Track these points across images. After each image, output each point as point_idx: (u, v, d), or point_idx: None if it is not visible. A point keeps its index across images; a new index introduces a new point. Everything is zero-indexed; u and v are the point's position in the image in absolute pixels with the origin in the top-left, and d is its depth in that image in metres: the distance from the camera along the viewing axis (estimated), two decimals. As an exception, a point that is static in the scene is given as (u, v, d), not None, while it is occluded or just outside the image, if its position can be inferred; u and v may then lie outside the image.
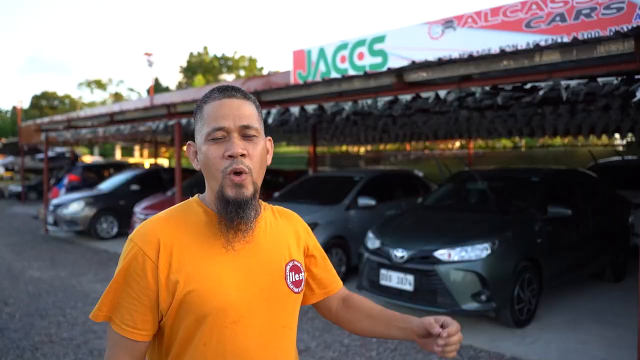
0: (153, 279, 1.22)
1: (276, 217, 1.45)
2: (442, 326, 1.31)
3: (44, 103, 50.76)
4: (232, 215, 1.25)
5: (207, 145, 1.27)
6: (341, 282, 1.62)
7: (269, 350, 1.30)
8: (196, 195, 1.38)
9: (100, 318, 1.24)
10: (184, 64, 49.11)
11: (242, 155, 1.25)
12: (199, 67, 47.08)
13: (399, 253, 5.17)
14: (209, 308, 1.22)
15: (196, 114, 1.34)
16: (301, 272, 1.41)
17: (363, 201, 7.40)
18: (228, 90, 1.31)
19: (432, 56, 5.69)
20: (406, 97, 5.20)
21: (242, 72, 47.70)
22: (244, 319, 1.26)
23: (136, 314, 1.22)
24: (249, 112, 1.30)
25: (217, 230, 1.28)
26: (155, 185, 12.15)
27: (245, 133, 1.28)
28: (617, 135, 14.07)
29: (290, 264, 1.38)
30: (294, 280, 1.37)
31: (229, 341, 1.24)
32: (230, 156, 1.24)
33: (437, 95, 5.01)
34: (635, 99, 3.81)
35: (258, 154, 1.29)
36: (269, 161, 1.37)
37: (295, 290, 1.37)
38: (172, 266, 1.23)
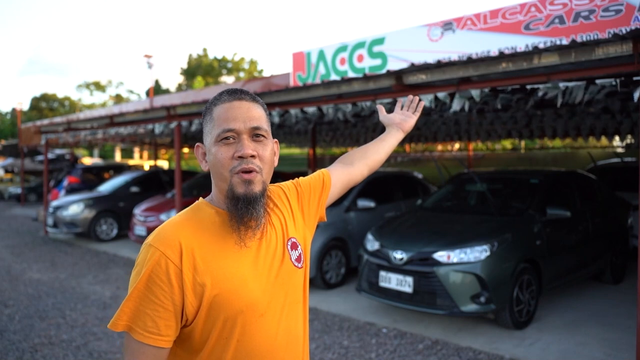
0: (177, 284, 1.21)
1: (271, 200, 1.47)
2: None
3: (43, 105, 50.68)
4: (243, 212, 1.27)
5: (217, 147, 1.29)
6: (326, 171, 1.70)
7: (290, 331, 1.36)
8: (200, 199, 1.40)
9: (120, 327, 1.22)
10: (184, 66, 49.12)
11: (252, 156, 1.28)
12: (198, 69, 47.06)
13: (398, 255, 5.18)
14: (239, 306, 1.25)
15: (205, 116, 1.36)
16: (298, 247, 1.45)
17: (362, 203, 7.41)
18: (237, 93, 1.34)
19: (431, 58, 5.72)
20: (405, 99, 5.20)
21: (242, 74, 47.69)
22: (268, 309, 1.31)
23: (160, 320, 1.21)
24: (258, 114, 1.33)
25: (231, 229, 1.31)
26: (154, 187, 12.16)
27: (254, 134, 1.31)
28: (616, 137, 14.08)
29: (289, 243, 1.42)
30: (295, 257, 1.42)
31: (258, 333, 1.29)
32: (240, 157, 1.27)
33: (436, 98, 5.02)
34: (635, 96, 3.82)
35: (267, 155, 1.33)
36: (275, 162, 1.40)
37: (299, 265, 1.42)
38: (197, 269, 1.23)
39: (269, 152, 1.34)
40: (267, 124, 1.37)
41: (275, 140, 1.42)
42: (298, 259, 1.42)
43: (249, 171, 1.27)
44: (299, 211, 1.54)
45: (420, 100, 2.03)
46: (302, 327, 1.42)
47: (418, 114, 2.00)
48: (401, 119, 1.96)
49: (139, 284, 1.21)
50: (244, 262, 1.29)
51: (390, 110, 1.99)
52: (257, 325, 1.28)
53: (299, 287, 1.41)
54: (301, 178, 1.65)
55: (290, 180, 1.63)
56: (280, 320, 1.33)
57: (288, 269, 1.37)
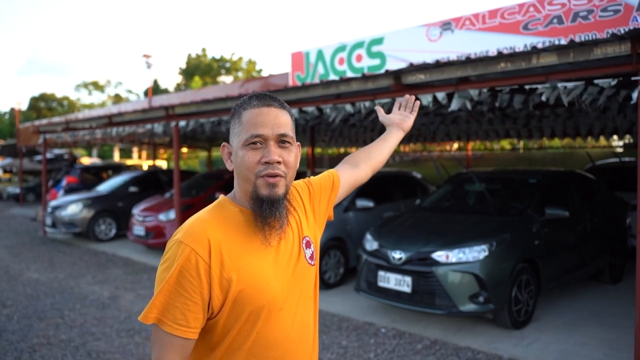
0: (206, 279, 1.28)
1: (288, 201, 1.50)
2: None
3: (42, 105, 50.62)
4: (267, 213, 1.34)
5: (245, 151, 1.35)
6: (335, 172, 1.78)
7: (304, 324, 1.45)
8: (222, 197, 1.46)
9: (150, 320, 1.28)
10: (183, 66, 49.07)
11: (278, 162, 1.34)
12: (197, 69, 47.02)
13: (397, 255, 5.18)
14: (261, 302, 1.33)
15: (233, 118, 1.42)
16: (311, 245, 1.52)
17: (361, 203, 7.41)
18: (266, 99, 1.40)
19: (430, 58, 5.71)
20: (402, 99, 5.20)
21: (240, 74, 47.64)
22: (286, 304, 1.39)
23: (189, 313, 1.27)
24: (285, 121, 1.39)
25: (255, 227, 1.37)
26: (153, 187, 12.16)
27: (281, 140, 1.37)
28: (615, 137, 14.10)
29: (304, 242, 1.50)
30: (309, 255, 1.49)
31: (276, 325, 1.37)
32: (266, 162, 1.33)
33: (434, 97, 5.02)
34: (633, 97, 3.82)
35: (292, 161, 1.39)
36: (297, 165, 1.45)
37: (312, 263, 1.50)
38: (224, 265, 1.30)
39: (294, 157, 1.40)
40: (293, 130, 1.43)
41: (298, 143, 1.47)
42: (311, 257, 1.50)
43: (274, 176, 1.34)
44: (311, 210, 1.62)
45: (416, 99, 2.10)
46: (313, 320, 1.51)
47: (415, 113, 2.07)
48: (400, 119, 2.04)
49: (170, 278, 1.27)
50: (266, 259, 1.36)
51: (388, 110, 2.08)
52: (276, 319, 1.36)
53: (311, 283, 1.49)
54: (312, 178, 1.71)
55: (302, 180, 1.69)
56: (296, 314, 1.41)
57: (303, 266, 1.45)
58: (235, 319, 1.32)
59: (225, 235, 1.33)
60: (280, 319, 1.37)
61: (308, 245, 1.50)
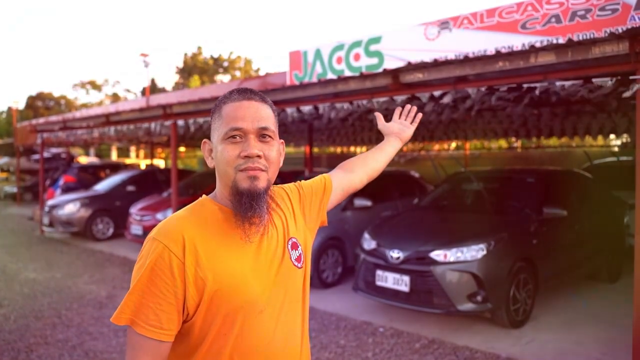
0: (180, 277, 1.22)
1: (274, 201, 1.49)
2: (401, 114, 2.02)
3: (39, 104, 50.49)
4: (246, 207, 1.28)
5: (224, 145, 1.31)
6: (327, 176, 1.73)
7: (289, 328, 1.37)
8: (203, 196, 1.42)
9: (122, 321, 1.22)
10: (181, 65, 48.98)
11: (259, 156, 1.30)
12: (194, 67, 46.96)
13: (395, 254, 5.17)
14: (239, 302, 1.26)
15: (214, 113, 1.38)
16: (299, 247, 1.46)
17: (359, 202, 7.41)
18: (247, 93, 1.36)
19: (428, 57, 5.70)
20: (402, 98, 5.21)
21: (237, 73, 47.57)
22: (267, 306, 1.32)
23: (162, 313, 1.21)
24: (266, 115, 1.35)
25: (234, 225, 1.32)
26: (151, 186, 12.12)
27: (261, 135, 1.32)
28: (612, 136, 14.11)
29: (290, 243, 1.43)
30: (295, 257, 1.43)
31: (256, 329, 1.30)
32: (246, 156, 1.28)
33: (432, 96, 5.02)
34: (626, 94, 3.83)
35: (274, 155, 1.35)
36: (280, 163, 1.41)
37: (298, 265, 1.43)
38: (199, 263, 1.24)
39: (275, 152, 1.35)
40: (275, 124, 1.38)
41: (282, 140, 1.43)
42: (298, 259, 1.43)
43: (255, 169, 1.29)
44: (301, 213, 1.56)
45: (417, 111, 2.05)
46: (301, 326, 1.43)
47: (415, 125, 2.02)
48: (399, 129, 1.99)
49: (142, 277, 1.22)
50: (245, 259, 1.30)
51: (386, 115, 2.06)
52: (256, 322, 1.29)
53: (298, 286, 1.43)
54: (303, 181, 1.67)
55: (293, 183, 1.65)
56: (279, 318, 1.34)
57: (288, 267, 1.39)
58: (211, 321, 1.25)
59: (201, 232, 1.28)
60: (261, 322, 1.30)
61: (295, 246, 1.44)
